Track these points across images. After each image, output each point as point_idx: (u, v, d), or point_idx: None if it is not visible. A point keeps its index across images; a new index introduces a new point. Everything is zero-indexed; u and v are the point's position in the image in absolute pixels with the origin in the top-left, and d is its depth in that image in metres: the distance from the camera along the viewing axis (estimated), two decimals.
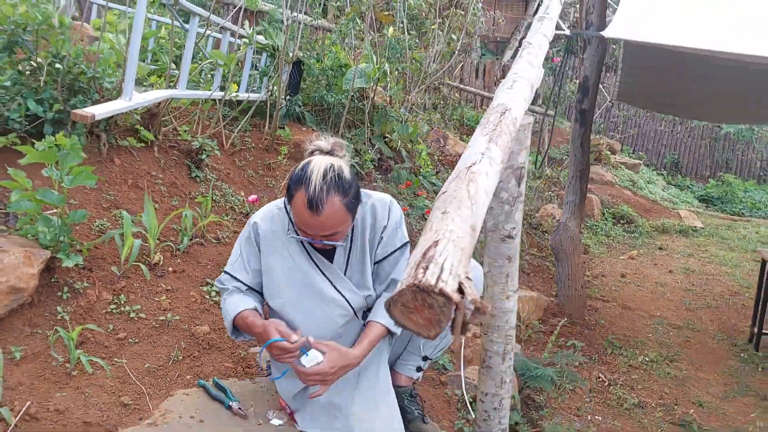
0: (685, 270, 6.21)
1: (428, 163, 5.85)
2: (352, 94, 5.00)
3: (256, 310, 1.87)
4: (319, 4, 7.75)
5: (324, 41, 6.12)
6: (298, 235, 1.84)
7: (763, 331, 4.31)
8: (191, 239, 2.99)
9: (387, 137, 5.50)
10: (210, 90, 3.73)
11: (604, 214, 7.76)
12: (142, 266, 2.47)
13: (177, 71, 3.51)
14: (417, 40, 6.39)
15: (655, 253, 6.85)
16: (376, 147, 5.19)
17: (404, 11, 6.30)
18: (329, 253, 1.95)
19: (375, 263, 1.97)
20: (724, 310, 5.11)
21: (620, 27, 2.48)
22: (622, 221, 7.74)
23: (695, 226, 7.90)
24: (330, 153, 1.85)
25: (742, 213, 10.30)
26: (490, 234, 1.67)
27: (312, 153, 1.85)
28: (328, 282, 1.93)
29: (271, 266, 1.93)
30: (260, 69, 4.58)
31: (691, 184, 12.70)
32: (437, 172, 6.12)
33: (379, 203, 1.98)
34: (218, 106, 3.86)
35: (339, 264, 1.95)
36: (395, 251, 1.98)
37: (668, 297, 5.40)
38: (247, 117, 4.25)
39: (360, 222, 1.94)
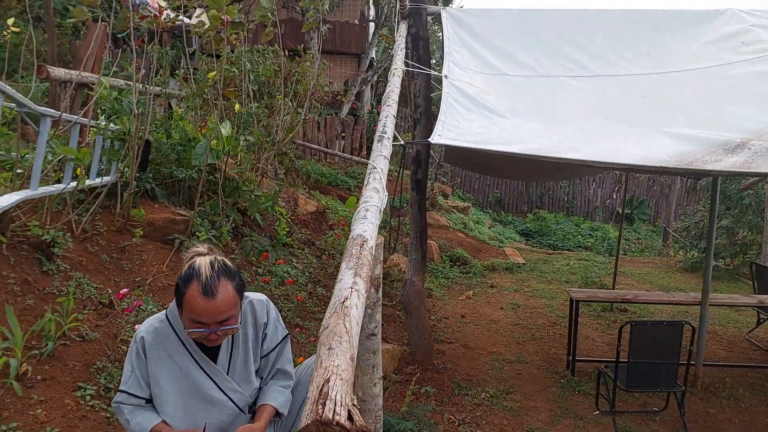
0: (513, 306, 7.10)
1: (284, 226, 6.13)
2: (203, 168, 5.15)
3: (164, 422, 2.02)
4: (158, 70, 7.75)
5: (170, 112, 6.19)
6: (192, 333, 2.01)
7: (577, 358, 5.16)
8: (55, 341, 2.98)
9: (241, 206, 5.70)
10: (61, 182, 3.71)
11: (442, 257, 8.56)
12: (15, 384, 2.47)
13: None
14: (265, 109, 6.70)
15: (487, 291, 7.71)
16: (231, 219, 5.36)
17: (250, 81, 6.59)
18: (213, 355, 2.17)
19: (261, 357, 2.23)
20: (546, 341, 5.97)
21: (444, 133, 3.04)
22: (458, 263, 8.59)
23: (519, 263, 9.01)
24: (207, 254, 2.10)
25: (556, 245, 11.85)
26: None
27: (192, 258, 2.08)
28: (214, 384, 2.13)
29: (158, 376, 2.09)
30: (107, 150, 4.59)
31: (513, 220, 14.30)
32: (291, 233, 6.43)
33: (258, 303, 2.25)
34: (69, 196, 3.84)
35: (222, 363, 2.17)
36: (278, 345, 2.26)
37: (501, 333, 6.17)
38: (98, 201, 4.24)
39: (241, 319, 2.19)
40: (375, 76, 14.13)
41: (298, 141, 9.24)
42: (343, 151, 11.26)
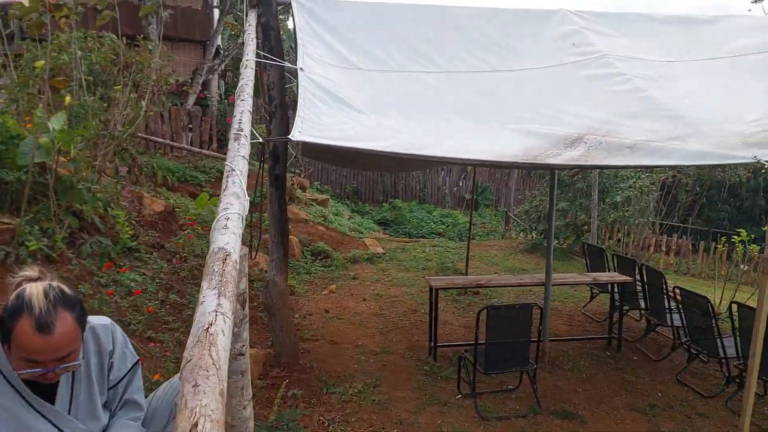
0: (375, 296, 7.19)
1: (126, 228, 5.61)
2: (30, 168, 4.53)
3: None
4: None
5: None
6: (24, 375, 1.72)
7: (438, 344, 5.33)
8: None
9: (77, 209, 5.12)
10: None
11: (303, 252, 8.43)
12: None
13: None
14: (100, 100, 6.07)
15: (350, 284, 7.73)
16: (65, 223, 4.79)
17: (83, 70, 5.94)
18: (50, 392, 1.88)
19: (109, 389, 1.98)
20: (408, 329, 6.11)
21: (304, 130, 2.92)
22: (320, 257, 8.52)
23: (378, 253, 9.15)
24: (39, 279, 1.81)
25: (412, 233, 12.25)
26: None
27: (20, 284, 1.79)
28: (52, 426, 1.85)
29: None
30: None
31: (370, 209, 14.54)
32: (136, 236, 5.91)
33: (101, 328, 1.99)
34: None
35: (63, 402, 1.89)
36: (127, 373, 2.03)
37: (365, 325, 6.21)
38: None
39: (82, 349, 1.93)
40: (222, 65, 13.52)
41: (141, 134, 8.55)
42: (191, 144, 10.62)
